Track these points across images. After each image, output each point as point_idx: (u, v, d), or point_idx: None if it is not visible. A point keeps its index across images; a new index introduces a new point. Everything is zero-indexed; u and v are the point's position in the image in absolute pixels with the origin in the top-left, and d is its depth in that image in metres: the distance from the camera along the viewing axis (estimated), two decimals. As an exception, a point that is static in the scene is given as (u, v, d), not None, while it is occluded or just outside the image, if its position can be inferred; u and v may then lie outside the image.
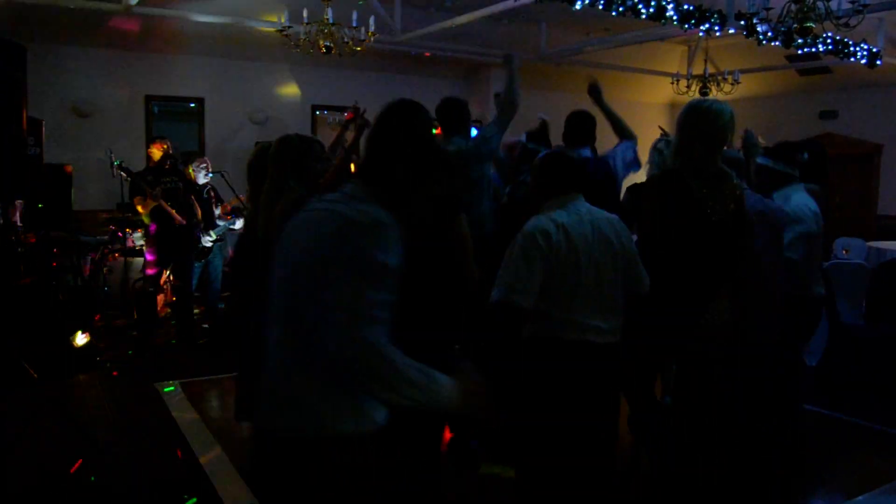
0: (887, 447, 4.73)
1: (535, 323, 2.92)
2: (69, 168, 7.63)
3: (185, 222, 6.56)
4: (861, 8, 5.77)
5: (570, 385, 2.85)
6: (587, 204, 2.99)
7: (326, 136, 11.37)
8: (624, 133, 4.78)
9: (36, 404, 4.68)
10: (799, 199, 4.05)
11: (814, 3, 5.91)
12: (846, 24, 6.01)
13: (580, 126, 4.61)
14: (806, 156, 4.35)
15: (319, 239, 1.76)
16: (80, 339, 6.03)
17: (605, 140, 5.00)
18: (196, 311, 7.23)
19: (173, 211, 6.51)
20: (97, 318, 7.47)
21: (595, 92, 4.81)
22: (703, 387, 3.32)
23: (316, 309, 1.69)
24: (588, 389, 2.88)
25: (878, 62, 9.01)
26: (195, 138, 10.17)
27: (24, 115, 4.20)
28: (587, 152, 4.55)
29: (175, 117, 10.69)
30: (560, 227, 2.83)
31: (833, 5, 6.02)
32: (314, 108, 10.95)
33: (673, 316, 3.15)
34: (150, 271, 6.75)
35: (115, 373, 5.91)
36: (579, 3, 6.53)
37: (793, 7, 5.99)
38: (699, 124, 3.19)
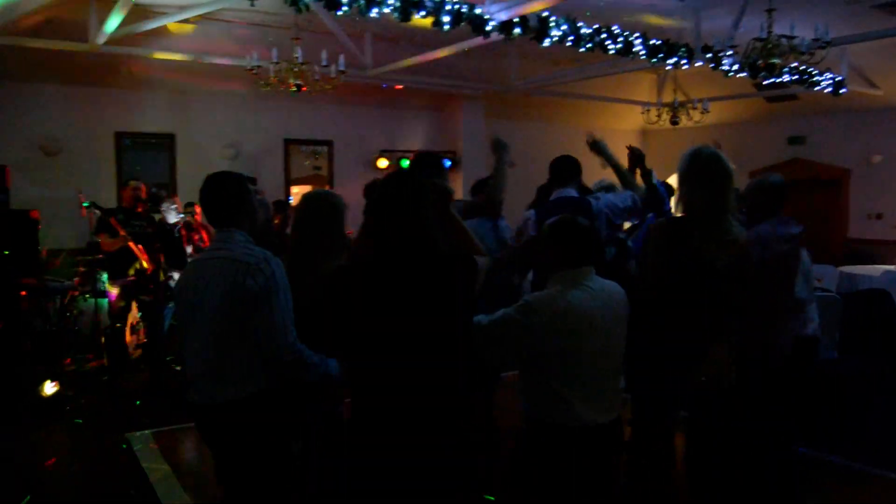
0: (860, 484, 4.73)
1: (536, 405, 2.88)
2: (35, 213, 7.52)
3: (152, 267, 6.51)
4: (823, 45, 5.87)
5: (569, 470, 2.81)
6: (598, 278, 2.93)
7: (299, 167, 11.42)
8: (627, 184, 4.69)
9: (2, 459, 4.57)
10: None
11: (778, 39, 6.00)
12: (810, 54, 6.11)
13: (564, 168, 4.55)
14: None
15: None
16: (49, 388, 5.90)
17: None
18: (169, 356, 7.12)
19: (141, 255, 6.47)
20: (67, 361, 7.36)
21: (595, 147, 4.63)
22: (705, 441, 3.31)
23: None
24: (587, 472, 2.83)
25: (843, 90, 9.17)
26: (168, 169, 10.09)
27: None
28: (572, 192, 4.52)
29: (147, 147, 10.52)
30: (568, 310, 2.77)
31: (796, 38, 6.13)
32: (287, 141, 10.92)
33: (671, 366, 3.15)
34: (114, 308, 6.72)
35: (83, 422, 5.80)
36: (548, 40, 6.57)
37: (757, 44, 6.07)
38: (701, 172, 3.19)
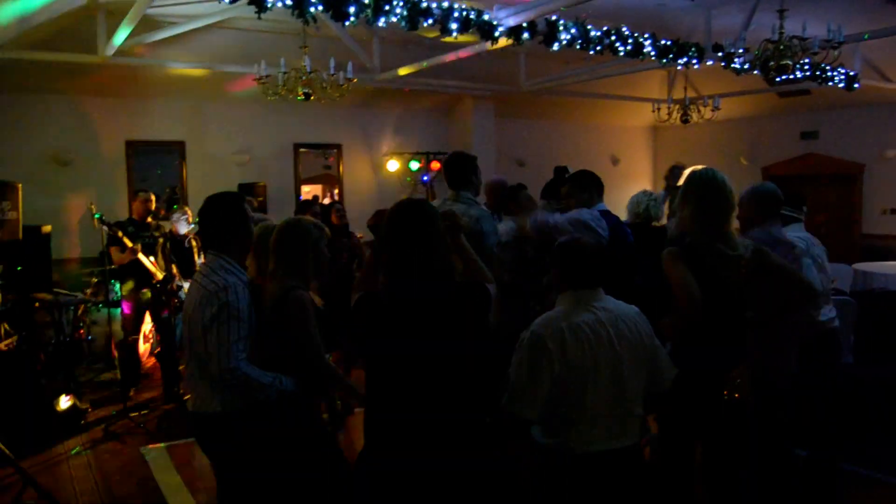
0: (879, 494, 4.67)
1: (547, 431, 2.81)
2: (47, 228, 7.56)
3: (161, 279, 6.54)
4: (836, 45, 5.80)
5: (578, 497, 2.74)
6: (608, 298, 2.86)
7: (309, 167, 11.40)
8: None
9: (19, 482, 4.59)
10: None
11: (790, 40, 5.94)
12: (824, 53, 6.04)
13: (589, 181, 4.57)
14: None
15: None
16: (64, 402, 5.92)
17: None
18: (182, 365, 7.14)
19: (151, 266, 6.49)
20: (81, 372, 7.38)
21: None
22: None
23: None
24: (598, 499, 2.75)
25: (856, 85, 9.06)
26: (178, 176, 10.13)
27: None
28: (602, 206, 4.52)
29: (157, 155, 10.57)
30: (573, 329, 2.71)
31: (808, 39, 6.06)
32: (296, 146, 10.92)
33: (695, 386, 3.11)
34: (127, 318, 6.76)
35: (99, 434, 5.83)
36: (557, 45, 6.52)
37: (769, 45, 6.01)
38: (705, 195, 3.15)
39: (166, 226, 7.23)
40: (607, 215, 4.43)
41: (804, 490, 4.16)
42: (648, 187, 12.76)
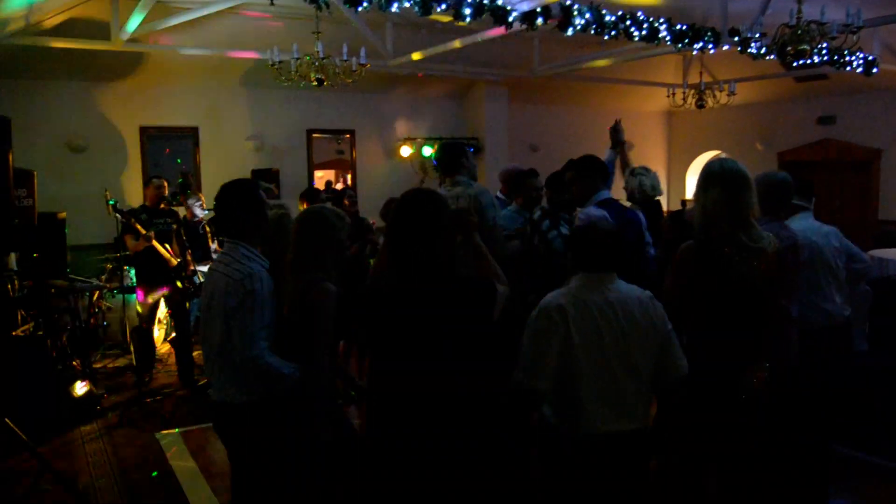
0: (891, 482, 4.64)
1: (556, 410, 2.82)
2: (63, 215, 7.60)
3: (176, 264, 6.56)
4: (855, 29, 5.72)
5: (585, 478, 2.75)
6: (620, 282, 2.86)
7: (322, 152, 11.37)
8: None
9: (35, 467, 4.64)
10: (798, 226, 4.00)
11: (807, 25, 5.86)
12: (842, 33, 5.95)
13: (592, 167, 4.43)
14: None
15: None
16: (80, 388, 5.97)
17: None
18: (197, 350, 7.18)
19: (166, 253, 6.51)
20: (97, 358, 7.45)
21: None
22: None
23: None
24: (607, 482, 2.75)
25: (875, 70, 8.93)
26: (192, 162, 10.16)
27: (11, 178, 4.16)
28: (606, 194, 4.39)
29: (172, 138, 10.60)
30: (579, 305, 2.73)
31: (826, 24, 5.96)
32: (309, 131, 10.91)
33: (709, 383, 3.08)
34: (140, 297, 6.77)
35: (115, 420, 5.87)
36: (571, 30, 6.46)
37: (787, 30, 5.93)
38: (716, 180, 3.12)
39: (181, 211, 7.25)
40: (609, 204, 4.23)
41: (808, 479, 4.13)
42: (663, 172, 12.64)
